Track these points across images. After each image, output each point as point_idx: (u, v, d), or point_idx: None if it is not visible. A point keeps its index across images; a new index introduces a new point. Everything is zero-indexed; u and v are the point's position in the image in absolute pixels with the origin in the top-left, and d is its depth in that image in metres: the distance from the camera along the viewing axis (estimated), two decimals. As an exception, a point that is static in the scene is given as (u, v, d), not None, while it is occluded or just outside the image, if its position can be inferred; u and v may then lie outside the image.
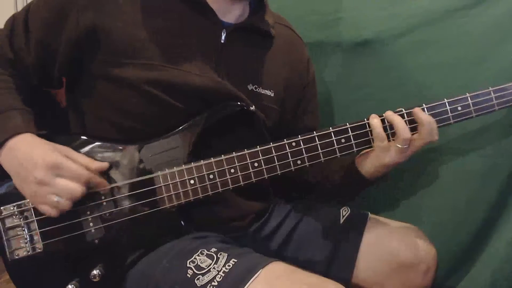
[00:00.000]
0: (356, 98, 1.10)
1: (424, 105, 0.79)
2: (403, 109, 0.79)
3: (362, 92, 1.10)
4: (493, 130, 0.96)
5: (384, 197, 1.09)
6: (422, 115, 0.77)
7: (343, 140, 0.79)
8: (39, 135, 0.74)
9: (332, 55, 1.12)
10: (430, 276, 0.88)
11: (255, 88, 0.85)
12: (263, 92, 0.86)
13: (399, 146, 0.76)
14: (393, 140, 0.78)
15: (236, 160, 0.77)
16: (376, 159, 0.80)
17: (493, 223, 0.97)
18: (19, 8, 1.62)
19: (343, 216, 0.94)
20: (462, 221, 1.01)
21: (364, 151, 0.83)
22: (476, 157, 0.99)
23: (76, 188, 0.70)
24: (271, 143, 0.78)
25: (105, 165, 0.76)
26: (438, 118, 0.79)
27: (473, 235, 1.00)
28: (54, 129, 0.80)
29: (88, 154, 0.77)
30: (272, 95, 0.88)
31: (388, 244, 0.89)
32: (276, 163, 0.78)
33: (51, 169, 0.69)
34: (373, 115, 0.79)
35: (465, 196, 1.00)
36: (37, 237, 0.74)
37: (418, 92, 1.03)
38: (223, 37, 0.81)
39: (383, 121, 0.78)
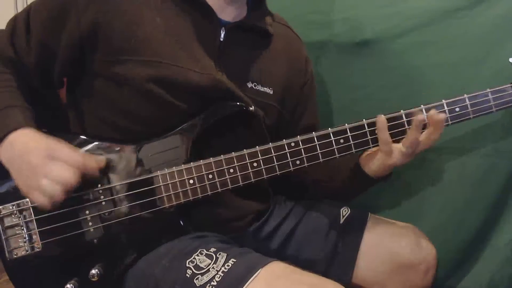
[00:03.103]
0: (356, 98, 1.11)
1: (422, 106, 0.79)
2: (402, 111, 0.79)
3: (362, 92, 1.10)
4: (493, 130, 0.96)
5: (384, 197, 1.09)
6: (438, 115, 0.75)
7: (342, 141, 0.79)
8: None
9: (332, 55, 1.12)
10: (430, 276, 0.88)
11: (255, 85, 0.86)
12: (262, 89, 0.86)
13: (404, 150, 0.76)
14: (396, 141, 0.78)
15: (235, 160, 0.77)
16: (381, 161, 0.80)
17: (493, 223, 0.97)
18: (19, 8, 1.63)
19: (343, 216, 0.94)
20: (462, 221, 1.01)
21: (369, 151, 0.83)
22: (476, 157, 0.99)
23: (69, 174, 0.67)
24: (270, 144, 0.78)
25: (101, 159, 0.74)
26: None
27: (473, 235, 1.00)
28: (54, 129, 0.80)
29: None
30: (271, 92, 0.88)
31: (388, 244, 0.89)
32: (275, 163, 0.78)
33: (45, 152, 0.68)
34: (381, 118, 0.77)
35: (465, 196, 1.00)
36: (36, 236, 0.74)
37: (418, 92, 1.03)
38: (222, 35, 0.81)
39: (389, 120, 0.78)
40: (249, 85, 0.85)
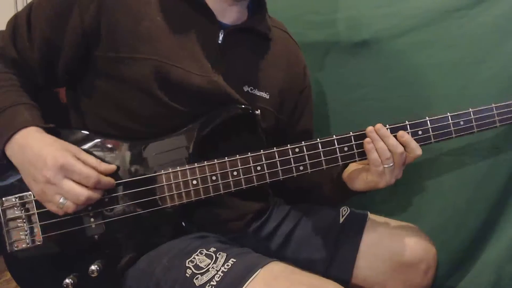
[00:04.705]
0: (355, 98, 1.10)
1: (427, 117, 0.79)
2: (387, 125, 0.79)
3: (361, 92, 1.10)
4: (493, 131, 0.96)
5: (384, 197, 1.09)
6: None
7: (345, 149, 0.79)
8: (47, 129, 0.74)
9: (331, 55, 1.12)
10: (430, 275, 0.88)
11: (251, 89, 0.85)
12: (258, 94, 0.86)
13: (386, 166, 0.76)
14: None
15: (239, 163, 0.77)
16: (373, 183, 0.79)
17: (493, 223, 0.98)
18: (19, 8, 1.63)
19: (342, 216, 0.93)
20: (462, 221, 1.01)
21: (353, 167, 0.84)
22: (476, 158, 0.99)
23: (82, 193, 0.69)
24: (275, 148, 0.78)
25: (113, 167, 0.75)
26: (440, 132, 0.79)
27: (473, 235, 1.00)
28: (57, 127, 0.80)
29: (91, 150, 0.77)
30: (268, 97, 0.87)
31: (388, 243, 0.88)
32: (279, 168, 0.78)
33: (60, 170, 0.69)
34: (367, 140, 0.77)
35: (465, 196, 1.00)
36: (37, 230, 0.74)
37: (417, 92, 1.03)
38: (220, 38, 0.81)
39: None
40: (245, 89, 0.85)
